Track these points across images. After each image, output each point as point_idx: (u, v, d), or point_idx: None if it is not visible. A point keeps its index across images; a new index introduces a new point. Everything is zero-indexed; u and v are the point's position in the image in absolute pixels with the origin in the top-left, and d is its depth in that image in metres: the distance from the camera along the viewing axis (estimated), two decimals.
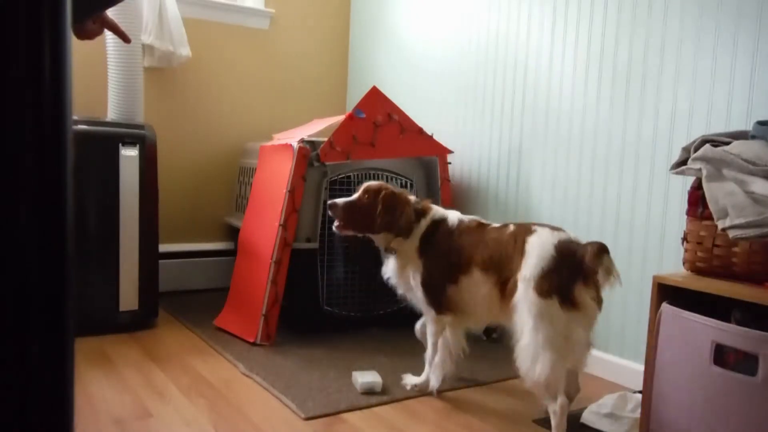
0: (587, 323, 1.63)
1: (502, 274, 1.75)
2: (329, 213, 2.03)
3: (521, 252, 1.69)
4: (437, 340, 1.96)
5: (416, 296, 1.97)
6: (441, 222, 1.92)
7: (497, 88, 2.65)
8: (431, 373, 1.97)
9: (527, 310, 1.62)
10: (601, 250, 1.59)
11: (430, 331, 1.97)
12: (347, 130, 2.46)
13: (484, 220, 1.95)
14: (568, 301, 1.59)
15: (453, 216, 1.95)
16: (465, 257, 1.84)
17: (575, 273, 1.60)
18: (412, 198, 2.00)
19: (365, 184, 2.03)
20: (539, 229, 1.72)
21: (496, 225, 1.89)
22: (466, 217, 1.95)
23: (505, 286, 1.74)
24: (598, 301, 1.63)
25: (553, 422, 1.63)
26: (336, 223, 2.01)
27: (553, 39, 2.39)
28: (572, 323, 1.59)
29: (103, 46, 2.70)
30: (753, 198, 1.40)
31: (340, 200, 2.00)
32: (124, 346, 2.30)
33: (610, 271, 1.58)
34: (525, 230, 1.74)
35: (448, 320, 1.93)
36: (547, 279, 1.60)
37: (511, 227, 1.81)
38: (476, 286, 1.82)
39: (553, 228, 1.73)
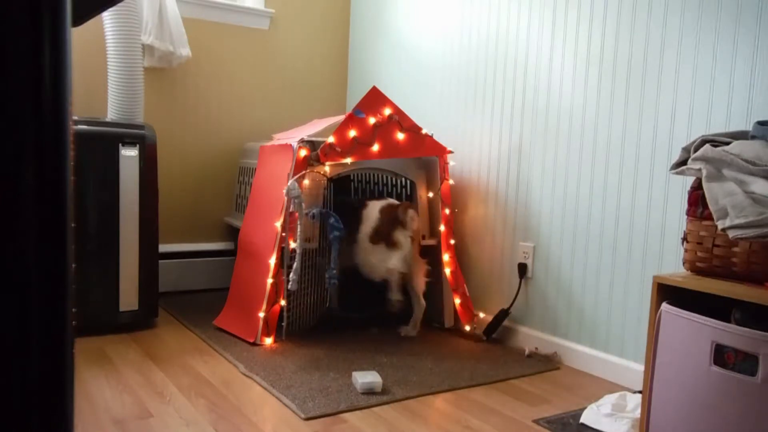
0: (404, 253, 2.44)
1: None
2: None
3: (360, 219, 2.50)
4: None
5: None
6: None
7: (497, 88, 2.65)
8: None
9: (368, 252, 2.49)
10: (407, 207, 2.46)
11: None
12: (347, 130, 2.46)
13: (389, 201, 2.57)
14: (390, 243, 2.43)
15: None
16: None
17: (394, 224, 2.43)
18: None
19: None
20: (369, 203, 2.52)
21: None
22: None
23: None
24: (412, 240, 2.47)
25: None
26: None
27: (553, 38, 2.40)
28: (392, 254, 2.43)
29: (103, 46, 2.70)
30: (753, 198, 1.40)
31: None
32: (124, 346, 2.31)
33: (412, 218, 2.44)
34: (362, 205, 2.52)
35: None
36: (375, 232, 2.46)
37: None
38: None
39: (380, 199, 2.53)
